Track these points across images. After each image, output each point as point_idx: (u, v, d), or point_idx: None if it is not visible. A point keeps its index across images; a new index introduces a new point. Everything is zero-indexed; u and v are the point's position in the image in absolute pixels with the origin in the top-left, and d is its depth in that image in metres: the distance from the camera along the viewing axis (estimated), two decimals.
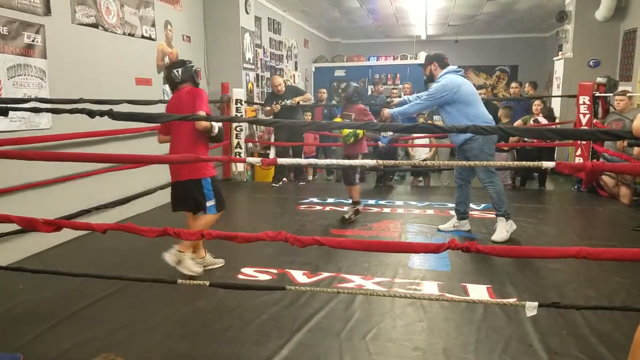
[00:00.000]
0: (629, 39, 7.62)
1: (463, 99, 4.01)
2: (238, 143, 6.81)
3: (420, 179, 7.34)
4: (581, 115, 6.03)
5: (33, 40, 3.80)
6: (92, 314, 2.76)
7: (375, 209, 5.30)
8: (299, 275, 3.30)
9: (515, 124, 6.67)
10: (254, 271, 3.38)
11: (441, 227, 4.49)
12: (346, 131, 4.52)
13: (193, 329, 2.56)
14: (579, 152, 6.14)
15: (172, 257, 3.18)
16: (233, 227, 4.73)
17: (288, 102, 6.52)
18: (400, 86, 11.65)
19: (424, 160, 6.91)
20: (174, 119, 2.82)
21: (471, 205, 5.31)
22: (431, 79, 4.27)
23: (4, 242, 3.51)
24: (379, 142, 6.55)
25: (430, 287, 3.10)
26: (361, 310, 2.75)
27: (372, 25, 11.48)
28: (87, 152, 4.22)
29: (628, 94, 5.61)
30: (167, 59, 5.79)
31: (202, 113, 3.09)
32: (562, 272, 3.30)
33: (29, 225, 2.32)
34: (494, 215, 4.24)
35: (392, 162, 3.38)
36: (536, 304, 2.01)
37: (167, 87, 5.76)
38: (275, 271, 3.37)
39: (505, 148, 6.51)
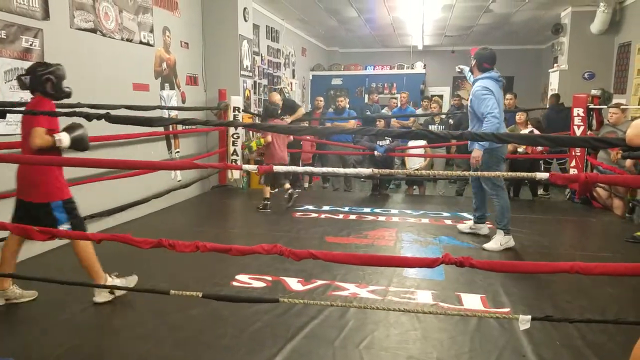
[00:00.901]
0: (623, 52, 7.71)
1: None
2: (234, 150, 6.82)
3: (415, 187, 7.37)
4: (575, 127, 6.08)
5: (31, 45, 3.81)
6: (83, 321, 2.74)
7: (371, 217, 5.31)
8: (294, 283, 3.30)
9: None
10: (249, 278, 3.37)
11: (459, 226, 4.74)
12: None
13: (186, 337, 2.55)
14: (573, 163, 6.18)
15: None
16: (228, 234, 4.73)
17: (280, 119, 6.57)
18: (398, 95, 11.73)
19: (418, 169, 6.94)
20: (171, 123, 2.82)
21: (465, 214, 5.38)
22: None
23: None
24: (375, 152, 6.57)
25: (424, 296, 3.11)
26: (355, 318, 2.75)
27: (370, 34, 11.55)
28: (83, 157, 4.20)
29: (622, 107, 5.67)
30: (164, 65, 5.81)
31: (39, 130, 2.71)
32: (556, 282, 3.31)
33: (23, 233, 2.31)
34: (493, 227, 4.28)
35: (387, 170, 3.39)
36: (529, 317, 2.02)
37: (164, 93, 5.80)
38: (269, 278, 3.36)
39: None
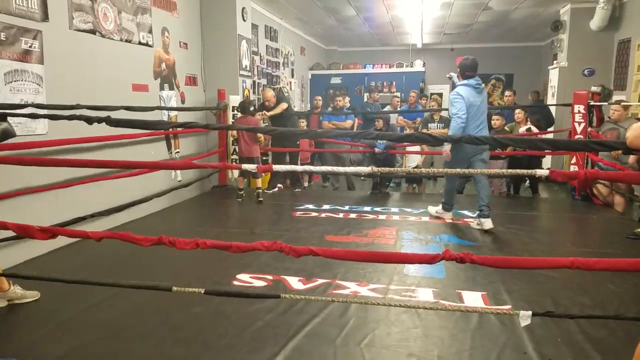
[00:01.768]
0: (623, 49, 7.70)
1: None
2: (234, 150, 6.82)
3: (414, 185, 7.37)
4: (576, 124, 6.07)
5: (30, 46, 3.81)
6: (86, 320, 2.75)
7: (371, 216, 5.31)
8: (295, 282, 3.30)
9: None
10: (250, 277, 3.38)
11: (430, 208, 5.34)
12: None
13: (187, 336, 2.55)
14: (574, 160, 6.18)
15: None
16: (229, 233, 4.73)
17: (259, 114, 6.74)
18: (398, 93, 11.73)
19: (416, 167, 6.94)
20: (171, 126, 2.83)
21: (467, 213, 5.39)
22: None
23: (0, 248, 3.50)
24: (376, 149, 6.58)
25: (425, 294, 3.11)
26: (356, 317, 2.75)
27: (369, 33, 11.55)
28: (83, 158, 4.21)
29: (623, 104, 5.66)
30: (163, 66, 5.81)
31: None
32: (557, 279, 3.31)
33: (25, 233, 2.32)
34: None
35: (387, 169, 3.39)
36: (530, 313, 2.02)
37: (163, 94, 5.80)
38: (270, 277, 3.37)
39: (502, 156, 6.54)
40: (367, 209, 5.70)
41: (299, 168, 3.24)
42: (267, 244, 2.09)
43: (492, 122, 6.55)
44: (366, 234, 4.58)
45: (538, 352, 2.35)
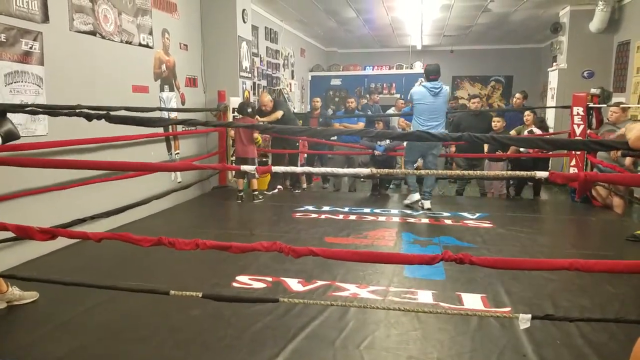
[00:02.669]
0: (623, 51, 7.71)
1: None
2: (234, 151, 6.81)
3: None
4: (575, 126, 6.08)
5: (31, 47, 3.81)
6: (85, 321, 2.74)
7: (371, 218, 5.31)
8: (294, 284, 3.30)
9: (510, 133, 6.72)
10: (249, 279, 3.37)
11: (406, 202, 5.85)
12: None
13: (187, 338, 2.55)
14: (573, 162, 6.18)
15: None
16: (229, 235, 4.72)
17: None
18: (398, 95, 11.74)
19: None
20: (170, 123, 2.83)
21: (466, 214, 5.39)
22: None
23: None
24: (375, 151, 6.58)
25: (425, 296, 3.11)
26: (356, 319, 2.75)
27: (369, 35, 11.56)
28: (83, 159, 4.21)
29: (622, 105, 5.67)
30: (164, 67, 5.81)
31: None
32: (556, 281, 3.31)
33: (24, 234, 2.32)
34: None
35: (386, 170, 3.39)
36: (529, 316, 2.02)
37: (163, 95, 5.80)
38: (270, 279, 3.37)
39: (503, 158, 6.55)
40: (367, 210, 5.70)
41: (297, 169, 3.23)
42: (267, 245, 2.09)
43: (493, 124, 6.56)
44: (366, 235, 4.58)
45: (538, 354, 2.35)
